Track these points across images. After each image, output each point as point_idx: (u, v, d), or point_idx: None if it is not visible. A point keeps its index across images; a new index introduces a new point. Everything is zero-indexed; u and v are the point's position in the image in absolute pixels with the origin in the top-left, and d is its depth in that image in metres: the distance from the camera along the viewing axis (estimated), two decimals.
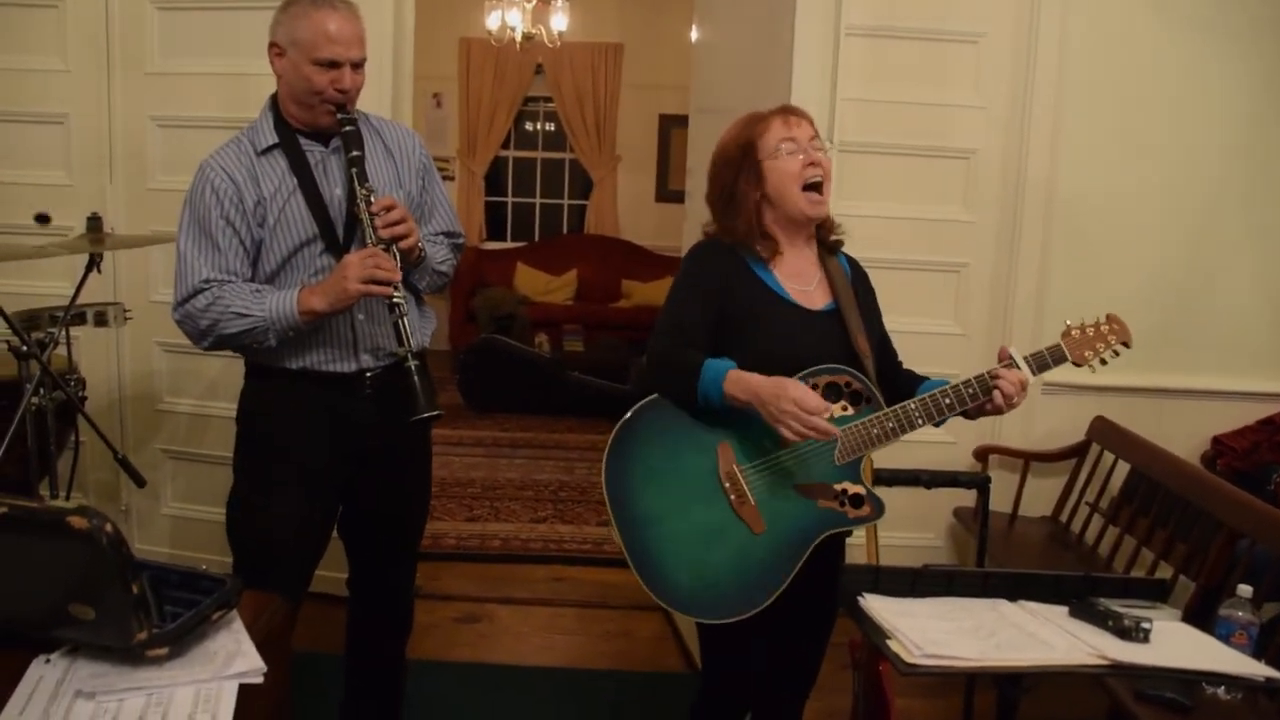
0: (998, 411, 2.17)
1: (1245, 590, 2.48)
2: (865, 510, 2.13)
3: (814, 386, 2.10)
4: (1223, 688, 2.44)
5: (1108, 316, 2.27)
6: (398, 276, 2.26)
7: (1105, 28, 3.65)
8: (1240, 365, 3.86)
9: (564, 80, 8.88)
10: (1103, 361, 2.25)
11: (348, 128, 2.32)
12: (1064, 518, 3.79)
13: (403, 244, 2.30)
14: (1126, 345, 2.27)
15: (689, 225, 3.93)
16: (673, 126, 8.79)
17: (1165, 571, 3.20)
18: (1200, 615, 2.84)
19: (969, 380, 2.15)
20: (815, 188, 2.19)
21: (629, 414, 2.21)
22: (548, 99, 9.14)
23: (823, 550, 2.12)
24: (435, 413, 2.25)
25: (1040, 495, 3.84)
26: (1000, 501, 3.69)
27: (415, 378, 2.25)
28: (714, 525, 2.11)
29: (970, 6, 3.60)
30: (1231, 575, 2.82)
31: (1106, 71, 3.67)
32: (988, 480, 2.54)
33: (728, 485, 2.12)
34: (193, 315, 2.32)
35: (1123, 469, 3.62)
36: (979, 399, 2.14)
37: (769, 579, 2.08)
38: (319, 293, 2.28)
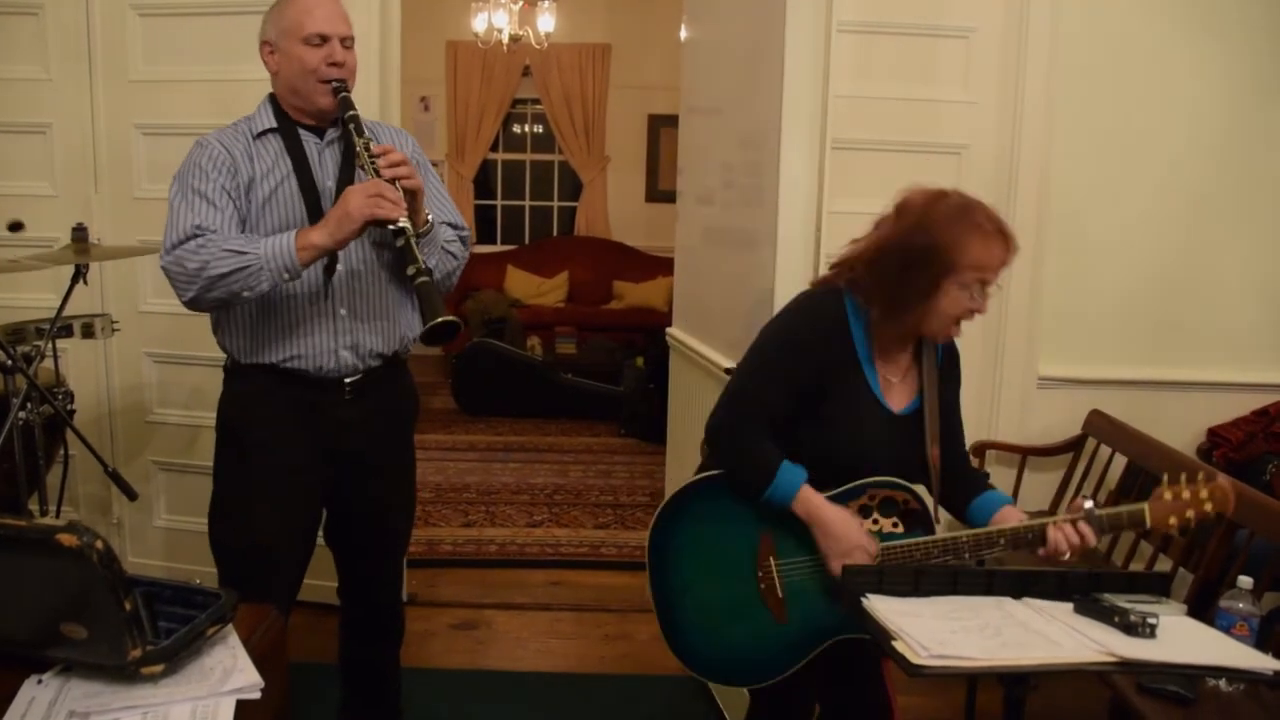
0: (1044, 558, 2.09)
1: (1245, 581, 2.47)
2: None
3: (871, 498, 2.11)
4: (1224, 680, 2.43)
5: (1217, 480, 2.04)
6: (403, 206, 2.19)
7: (1095, 22, 3.64)
8: (1234, 357, 3.86)
9: (552, 82, 8.86)
10: (1189, 525, 2.05)
11: (344, 94, 2.32)
12: (1062, 512, 3.78)
13: (404, 183, 2.23)
14: (1223, 514, 2.04)
15: (681, 225, 3.92)
16: (662, 126, 8.78)
17: (1164, 564, 3.19)
18: (1200, 607, 2.83)
19: (1029, 525, 2.07)
20: (961, 322, 2.09)
21: (694, 479, 2.23)
22: (536, 101, 9.13)
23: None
24: (448, 318, 2.13)
25: (1037, 489, 3.83)
26: None
27: (425, 292, 2.16)
28: (739, 603, 2.15)
29: (961, 2, 3.58)
30: (1231, 567, 2.81)
31: (1097, 66, 3.66)
32: (986, 476, 2.52)
33: (760, 574, 2.14)
34: (182, 258, 2.22)
35: (1119, 462, 3.61)
36: (1036, 544, 2.06)
37: (779, 662, 2.14)
38: (319, 226, 2.22)
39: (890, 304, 2.05)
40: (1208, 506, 2.02)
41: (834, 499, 2.11)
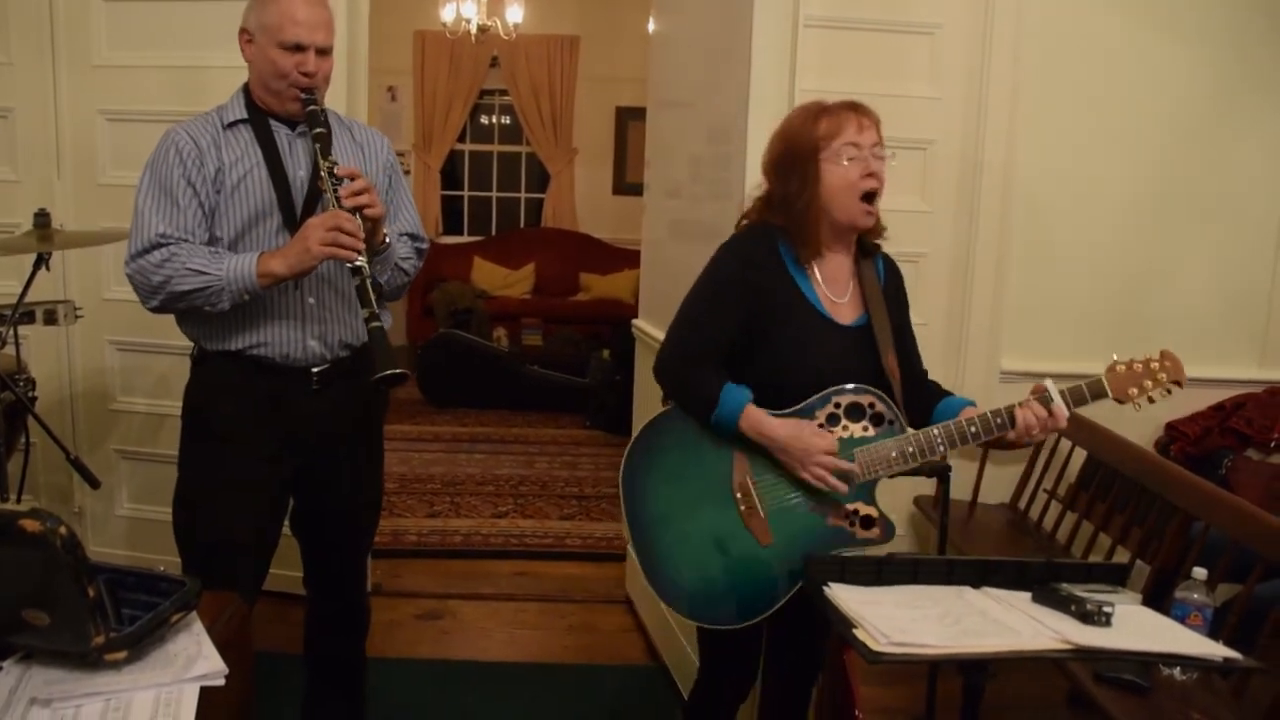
0: (1017, 442, 2.13)
1: (1200, 573, 2.52)
2: (874, 532, 2.13)
3: (836, 405, 2.13)
4: (1179, 668, 2.48)
5: (1161, 353, 2.18)
6: (361, 241, 2.22)
7: (1060, 19, 3.67)
8: (1192, 352, 3.83)
9: (520, 73, 8.83)
10: (1150, 400, 2.16)
11: (311, 107, 2.31)
12: (1022, 504, 3.82)
13: (366, 212, 2.26)
14: (1179, 384, 2.17)
15: (648, 218, 3.92)
16: (630, 119, 8.78)
17: (1122, 556, 3.24)
18: (1156, 598, 2.87)
19: (998, 410, 2.12)
20: (870, 197, 2.16)
21: (657, 415, 2.23)
22: (504, 92, 9.09)
23: None
24: (398, 370, 2.16)
25: (999, 483, 3.87)
26: (960, 490, 3.71)
27: (377, 339, 2.19)
28: (721, 531, 2.13)
29: None
30: (1186, 558, 2.86)
31: (1062, 63, 3.70)
32: (948, 468, 2.54)
33: (739, 495, 2.13)
34: (145, 270, 2.27)
35: (1079, 456, 3.65)
36: (1005, 429, 2.11)
37: (769, 591, 2.10)
38: (279, 255, 2.26)
39: (791, 208, 2.15)
40: (1162, 376, 2.15)
41: (800, 412, 2.13)
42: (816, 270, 2.21)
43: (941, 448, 2.11)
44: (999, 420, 2.10)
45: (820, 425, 2.13)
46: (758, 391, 2.14)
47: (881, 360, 2.18)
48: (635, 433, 2.25)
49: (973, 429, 2.10)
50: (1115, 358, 2.17)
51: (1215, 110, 3.77)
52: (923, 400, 2.27)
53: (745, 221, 2.30)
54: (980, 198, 3.71)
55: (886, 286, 2.29)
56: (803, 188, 2.14)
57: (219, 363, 2.40)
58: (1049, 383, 2.13)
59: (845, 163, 2.12)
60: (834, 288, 2.22)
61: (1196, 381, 3.82)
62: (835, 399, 2.13)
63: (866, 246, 2.28)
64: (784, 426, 2.09)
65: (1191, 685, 2.49)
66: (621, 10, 8.43)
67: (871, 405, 2.14)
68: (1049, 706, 3.23)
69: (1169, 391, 2.18)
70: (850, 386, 2.14)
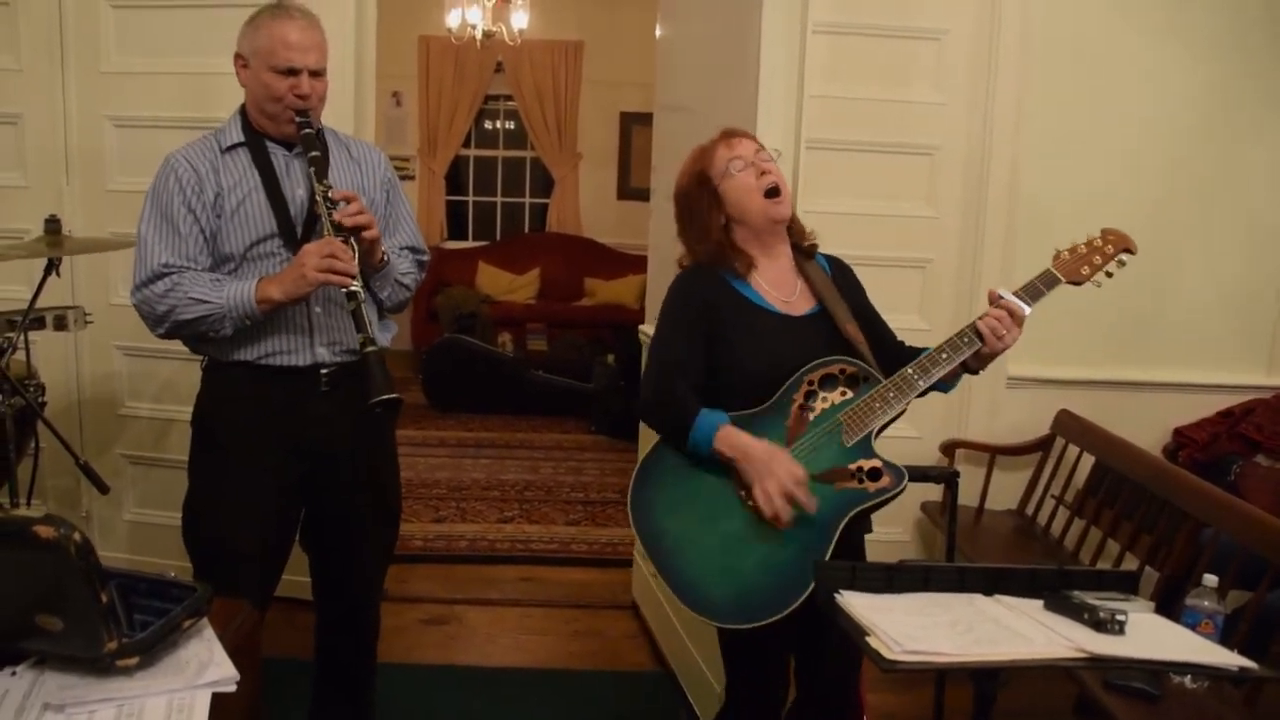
0: (993, 354, 2.18)
1: (1210, 580, 2.51)
2: (886, 481, 2.12)
3: (810, 383, 2.17)
4: (1189, 676, 2.47)
5: (1101, 231, 2.27)
6: (355, 267, 2.27)
7: (1065, 25, 3.68)
8: (1200, 358, 3.91)
9: (524, 78, 8.84)
10: (1108, 274, 2.25)
11: (306, 130, 2.35)
12: (1030, 511, 3.82)
13: (363, 234, 2.31)
14: (1130, 252, 2.26)
15: (654, 222, 3.92)
16: (634, 124, 8.78)
17: (1131, 563, 3.24)
18: (1166, 605, 2.87)
19: (961, 330, 2.18)
20: (773, 193, 2.24)
21: (645, 457, 2.27)
22: (508, 97, 9.10)
23: (842, 545, 2.13)
24: (393, 395, 2.20)
25: (1006, 489, 3.87)
26: (967, 495, 3.71)
27: (372, 363, 2.23)
28: (738, 533, 2.14)
29: (933, 4, 3.62)
30: (1196, 565, 2.85)
31: (1066, 68, 3.71)
32: (956, 475, 2.53)
33: (744, 494, 2.14)
34: (150, 300, 2.33)
35: (1087, 462, 3.65)
36: (974, 344, 2.16)
37: (802, 572, 2.07)
38: (276, 282, 2.31)
39: (708, 235, 2.27)
40: (1109, 249, 2.24)
41: (776, 403, 2.17)
42: (759, 279, 2.28)
43: (920, 382, 2.15)
44: (966, 338, 2.17)
45: (800, 406, 2.17)
46: (730, 395, 2.18)
47: (842, 333, 2.23)
48: (635, 469, 2.27)
49: (943, 354, 2.17)
50: (1057, 248, 2.26)
51: (1222, 116, 3.77)
52: (902, 361, 2.28)
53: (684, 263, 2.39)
54: (986, 203, 3.72)
55: (835, 277, 2.36)
56: (713, 216, 2.26)
57: (229, 372, 2.43)
58: (1001, 289, 2.19)
59: (736, 174, 2.25)
60: (781, 289, 2.30)
61: (1204, 387, 3.87)
62: (807, 378, 2.18)
63: (804, 250, 2.36)
64: (762, 444, 2.11)
65: (1202, 693, 2.48)
66: (625, 16, 8.43)
67: (842, 370, 2.19)
68: (1056, 714, 3.22)
69: (1122, 262, 2.26)
70: (815, 362, 2.18)
